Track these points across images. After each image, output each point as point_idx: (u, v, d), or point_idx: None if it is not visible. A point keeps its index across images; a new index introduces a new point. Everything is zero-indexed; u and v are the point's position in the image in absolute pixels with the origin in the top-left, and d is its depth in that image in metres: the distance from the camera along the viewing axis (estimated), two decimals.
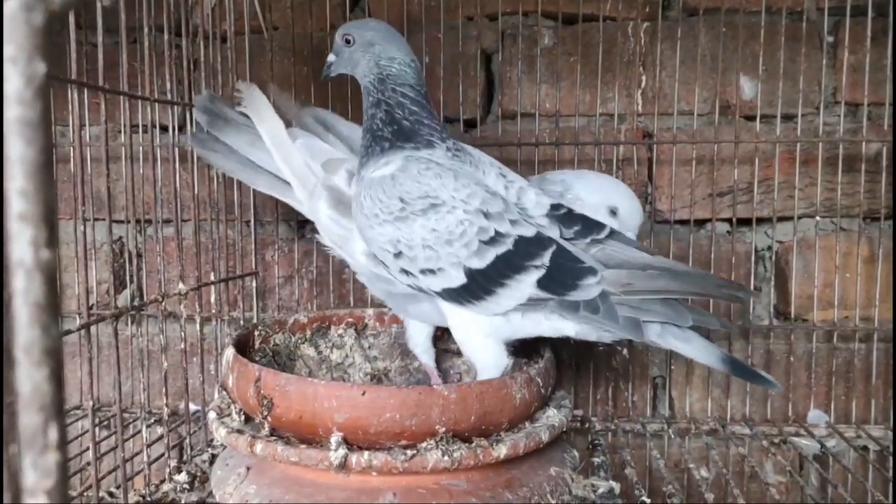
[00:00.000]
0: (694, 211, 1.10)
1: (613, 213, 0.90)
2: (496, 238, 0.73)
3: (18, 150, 0.19)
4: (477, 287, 0.74)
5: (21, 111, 0.19)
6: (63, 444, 0.20)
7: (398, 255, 0.76)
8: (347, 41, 0.84)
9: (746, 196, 1.11)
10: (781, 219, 1.10)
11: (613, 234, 0.78)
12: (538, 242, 0.74)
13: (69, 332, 0.61)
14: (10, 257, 0.19)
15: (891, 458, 0.98)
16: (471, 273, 0.74)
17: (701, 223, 1.13)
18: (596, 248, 0.77)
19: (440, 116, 1.12)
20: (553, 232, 0.76)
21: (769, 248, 1.13)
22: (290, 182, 0.90)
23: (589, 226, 0.78)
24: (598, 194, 0.90)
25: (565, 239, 0.77)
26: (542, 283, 0.74)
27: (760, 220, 1.11)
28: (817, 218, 1.08)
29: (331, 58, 0.87)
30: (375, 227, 0.77)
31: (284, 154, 0.89)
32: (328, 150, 0.91)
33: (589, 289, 0.73)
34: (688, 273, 0.77)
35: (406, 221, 0.75)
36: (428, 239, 0.74)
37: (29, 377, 0.19)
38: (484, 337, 0.79)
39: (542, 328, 0.79)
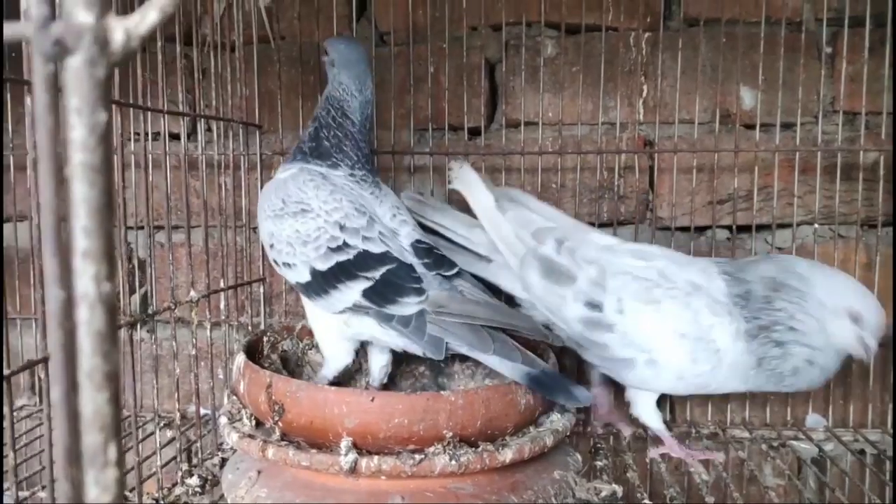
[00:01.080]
0: (694, 218, 1.12)
1: (856, 319, 0.82)
2: (342, 247, 0.82)
3: (82, 192, 0.21)
4: (317, 285, 0.83)
5: (85, 157, 0.21)
6: (121, 460, 0.22)
7: (271, 246, 0.86)
8: (326, 52, 0.92)
9: (746, 203, 1.12)
10: (780, 226, 1.12)
11: (461, 273, 0.86)
12: (379, 259, 0.82)
13: None
14: (76, 291, 0.21)
15: (888, 462, 1.00)
16: (314, 272, 0.82)
17: (701, 230, 1.14)
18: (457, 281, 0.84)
19: (430, 128, 1.14)
20: (411, 258, 0.84)
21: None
22: (501, 251, 0.95)
23: (440, 263, 0.85)
24: (837, 297, 0.84)
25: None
26: (366, 293, 0.80)
27: (760, 228, 1.13)
28: (816, 225, 1.10)
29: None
30: (261, 221, 0.88)
31: (495, 226, 0.95)
32: (536, 220, 0.96)
33: (407, 306, 0.80)
34: (499, 307, 0.84)
35: (281, 220, 0.85)
36: (291, 237, 0.84)
37: (91, 400, 0.21)
38: (335, 335, 0.86)
39: (383, 338, 0.84)
